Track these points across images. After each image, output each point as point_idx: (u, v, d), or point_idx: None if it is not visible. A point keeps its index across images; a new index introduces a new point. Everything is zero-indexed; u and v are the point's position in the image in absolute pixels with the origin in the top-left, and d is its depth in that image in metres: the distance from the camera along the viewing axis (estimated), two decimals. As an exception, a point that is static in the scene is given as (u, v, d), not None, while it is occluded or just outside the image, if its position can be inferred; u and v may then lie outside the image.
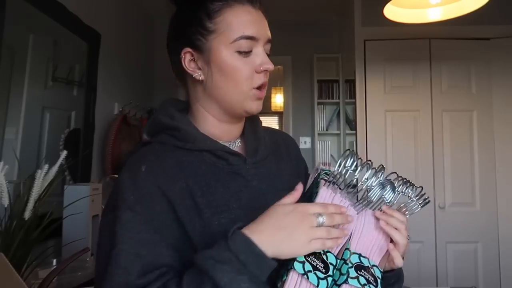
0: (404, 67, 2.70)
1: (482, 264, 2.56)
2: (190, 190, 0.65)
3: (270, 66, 0.69)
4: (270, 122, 7.32)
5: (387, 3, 1.29)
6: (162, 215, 0.62)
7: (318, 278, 0.56)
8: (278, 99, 5.01)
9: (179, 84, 0.77)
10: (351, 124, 3.33)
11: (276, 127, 7.28)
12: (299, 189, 0.62)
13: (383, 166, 0.65)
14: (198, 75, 0.70)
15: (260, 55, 0.69)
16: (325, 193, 0.64)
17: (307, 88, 3.74)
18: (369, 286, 0.58)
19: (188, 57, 0.70)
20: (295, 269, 0.56)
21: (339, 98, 3.58)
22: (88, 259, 1.39)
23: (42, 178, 1.16)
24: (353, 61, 2.78)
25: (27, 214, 1.11)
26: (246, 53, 0.67)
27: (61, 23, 1.66)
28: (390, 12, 1.34)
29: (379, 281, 0.60)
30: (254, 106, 0.70)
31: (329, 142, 3.67)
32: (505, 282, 2.53)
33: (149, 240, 0.60)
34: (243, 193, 0.68)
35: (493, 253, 2.56)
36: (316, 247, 0.57)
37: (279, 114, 6.36)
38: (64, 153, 1.27)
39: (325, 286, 0.56)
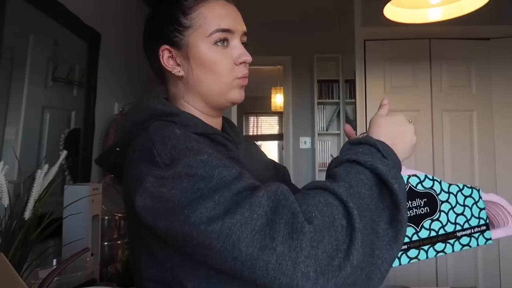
0: (404, 67, 2.70)
1: (482, 265, 2.56)
2: None
3: (248, 58, 0.70)
4: (270, 122, 7.31)
5: (387, 3, 1.29)
6: None
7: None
8: (278, 99, 5.01)
9: (158, 82, 0.77)
10: (351, 124, 3.33)
11: (276, 127, 7.28)
12: (386, 103, 0.74)
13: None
14: (178, 71, 0.70)
15: (237, 48, 0.70)
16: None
17: (307, 88, 3.73)
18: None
19: (166, 54, 0.71)
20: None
21: (339, 98, 3.58)
22: (88, 259, 1.39)
23: (42, 178, 1.16)
24: (353, 61, 2.78)
25: (27, 214, 1.10)
26: (224, 44, 0.69)
27: (61, 23, 1.66)
28: (390, 12, 1.34)
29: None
30: (238, 95, 0.72)
31: (329, 142, 3.67)
32: (505, 282, 2.53)
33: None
34: None
35: (493, 253, 2.56)
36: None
37: (279, 114, 6.37)
38: (64, 153, 1.27)
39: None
